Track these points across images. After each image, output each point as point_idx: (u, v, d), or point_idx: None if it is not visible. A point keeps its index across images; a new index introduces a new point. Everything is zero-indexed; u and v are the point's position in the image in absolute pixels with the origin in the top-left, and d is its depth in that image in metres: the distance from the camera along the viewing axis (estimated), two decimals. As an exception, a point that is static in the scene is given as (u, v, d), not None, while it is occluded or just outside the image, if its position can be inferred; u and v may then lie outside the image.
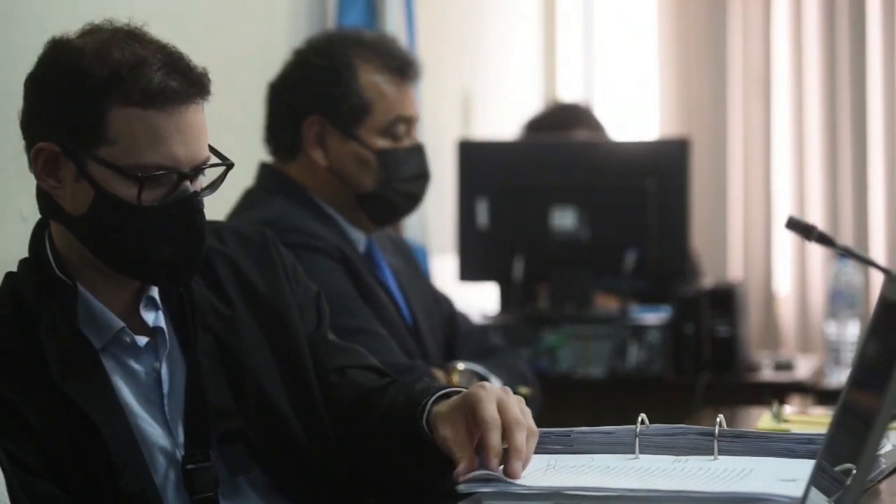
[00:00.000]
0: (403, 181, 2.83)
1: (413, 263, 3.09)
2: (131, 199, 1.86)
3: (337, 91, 2.80)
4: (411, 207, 2.93)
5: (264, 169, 2.90)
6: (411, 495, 2.27)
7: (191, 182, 1.90)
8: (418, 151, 2.86)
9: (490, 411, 1.78)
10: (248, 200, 2.84)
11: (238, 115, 3.11)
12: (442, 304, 3.07)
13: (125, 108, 1.86)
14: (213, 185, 1.96)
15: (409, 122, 2.85)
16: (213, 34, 3.01)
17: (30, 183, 1.96)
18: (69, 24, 1.94)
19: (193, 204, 1.90)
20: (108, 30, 1.91)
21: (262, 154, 3.23)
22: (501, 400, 1.81)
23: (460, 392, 1.89)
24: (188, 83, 1.89)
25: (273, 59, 3.41)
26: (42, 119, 1.91)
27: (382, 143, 2.81)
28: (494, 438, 1.77)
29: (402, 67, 2.85)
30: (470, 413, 1.81)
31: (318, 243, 2.71)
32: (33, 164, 1.91)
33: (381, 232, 2.96)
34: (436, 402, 1.91)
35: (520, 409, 1.81)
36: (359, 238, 2.87)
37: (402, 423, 1.94)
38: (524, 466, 1.76)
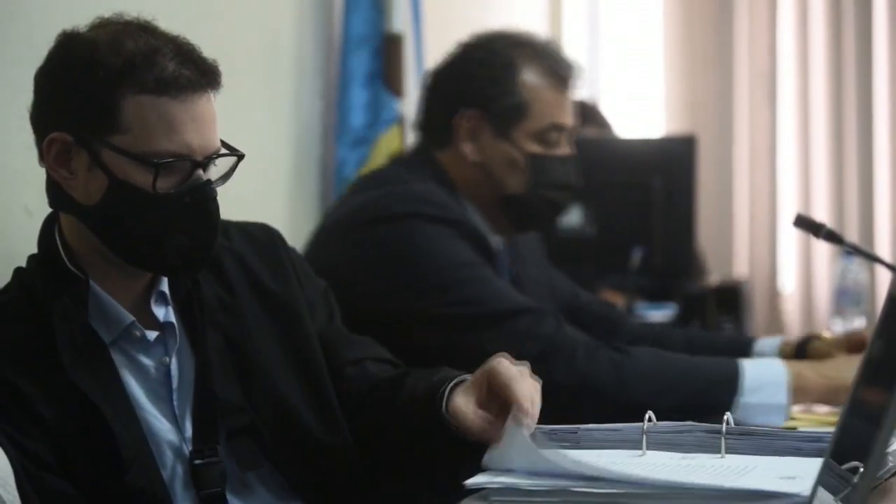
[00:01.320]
0: (550, 189, 2.79)
1: (544, 263, 3.05)
2: (146, 187, 1.87)
3: (497, 88, 2.77)
4: (553, 217, 2.90)
5: (415, 150, 2.89)
6: (420, 495, 2.26)
7: (203, 171, 1.91)
8: (570, 161, 2.82)
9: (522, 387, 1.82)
10: (390, 176, 2.81)
11: (240, 111, 3.11)
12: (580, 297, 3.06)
13: (139, 96, 1.86)
14: (225, 176, 1.96)
15: (564, 130, 2.80)
16: (217, 32, 3.01)
17: (35, 178, 1.96)
18: (72, 22, 1.94)
19: (207, 192, 1.90)
20: (118, 22, 1.92)
21: (263, 151, 3.22)
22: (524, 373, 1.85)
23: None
24: (201, 73, 1.89)
25: (278, 57, 3.41)
26: (54, 110, 1.91)
27: (535, 147, 2.77)
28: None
29: (565, 75, 2.81)
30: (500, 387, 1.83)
31: (449, 215, 2.67)
32: (45, 155, 1.91)
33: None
34: (453, 388, 1.92)
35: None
36: (496, 240, 2.82)
37: (422, 413, 1.94)
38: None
